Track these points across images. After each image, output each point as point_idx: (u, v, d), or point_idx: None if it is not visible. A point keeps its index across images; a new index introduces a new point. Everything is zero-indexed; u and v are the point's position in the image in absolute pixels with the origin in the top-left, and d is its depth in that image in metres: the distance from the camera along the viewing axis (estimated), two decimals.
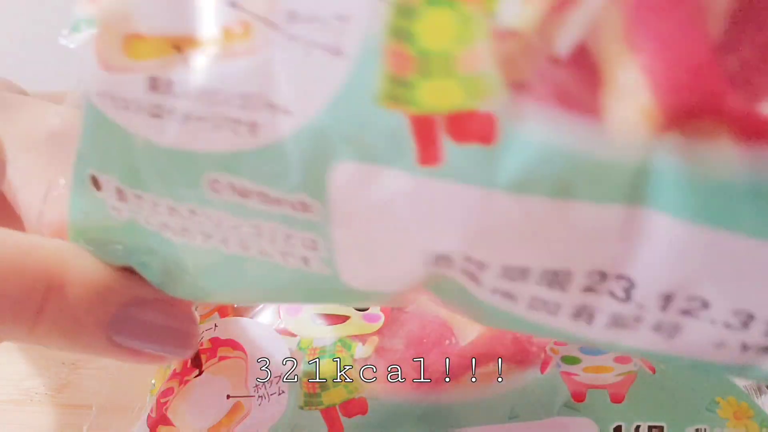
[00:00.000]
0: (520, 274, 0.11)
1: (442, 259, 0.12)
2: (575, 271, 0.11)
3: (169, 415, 0.20)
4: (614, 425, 0.19)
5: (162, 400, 0.21)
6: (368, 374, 0.20)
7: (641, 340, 0.12)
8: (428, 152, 0.10)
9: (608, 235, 0.10)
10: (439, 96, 0.10)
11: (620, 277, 0.11)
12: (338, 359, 0.21)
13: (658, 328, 0.12)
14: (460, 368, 0.20)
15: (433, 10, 0.10)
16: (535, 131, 0.10)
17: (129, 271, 0.15)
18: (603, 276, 0.11)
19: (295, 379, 0.20)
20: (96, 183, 0.14)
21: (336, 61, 0.11)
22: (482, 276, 0.12)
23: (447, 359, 0.21)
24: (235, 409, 0.20)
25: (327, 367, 0.20)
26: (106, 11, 0.12)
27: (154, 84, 0.12)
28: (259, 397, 0.20)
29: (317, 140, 0.11)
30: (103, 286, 0.15)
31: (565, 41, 0.09)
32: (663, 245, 0.10)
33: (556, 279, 0.11)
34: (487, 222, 0.11)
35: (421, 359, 0.21)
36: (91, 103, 0.12)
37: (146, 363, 0.16)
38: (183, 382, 0.21)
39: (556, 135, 0.10)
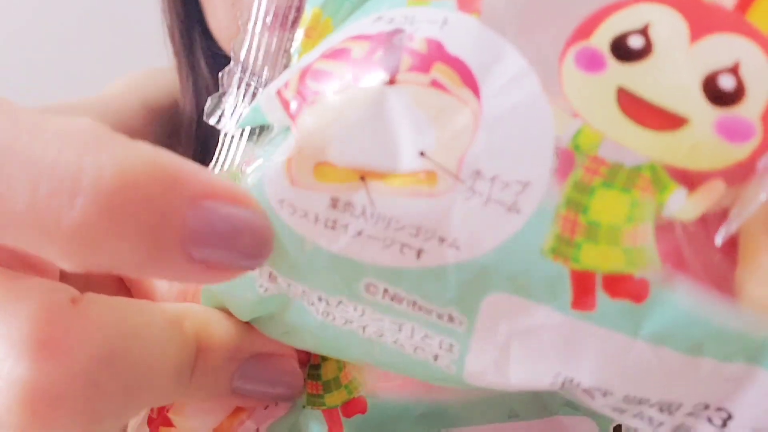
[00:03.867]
0: (638, 401, 0.13)
1: (569, 382, 0.14)
2: (686, 403, 0.13)
3: (171, 415, 0.20)
4: (614, 424, 0.19)
5: None
6: (367, 373, 0.20)
7: None
8: (583, 300, 0.13)
9: (723, 383, 0.13)
10: (601, 259, 0.12)
11: (721, 409, 0.13)
12: (338, 359, 0.21)
13: None
14: None
15: (609, 192, 0.12)
16: (681, 299, 0.12)
17: (250, 325, 0.17)
18: (706, 406, 0.13)
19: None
20: None
21: (510, 216, 0.13)
22: (600, 398, 0.14)
23: None
24: (238, 410, 0.20)
25: (329, 368, 0.20)
26: (306, 139, 0.13)
27: (335, 203, 0.14)
28: None
29: (479, 273, 0.13)
30: (233, 345, 0.17)
31: (723, 233, 0.12)
32: (766, 394, 0.12)
33: (669, 408, 0.13)
34: (624, 363, 0.13)
35: None
36: (269, 205, 0.14)
37: (255, 405, 0.19)
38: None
39: (698, 304, 0.12)
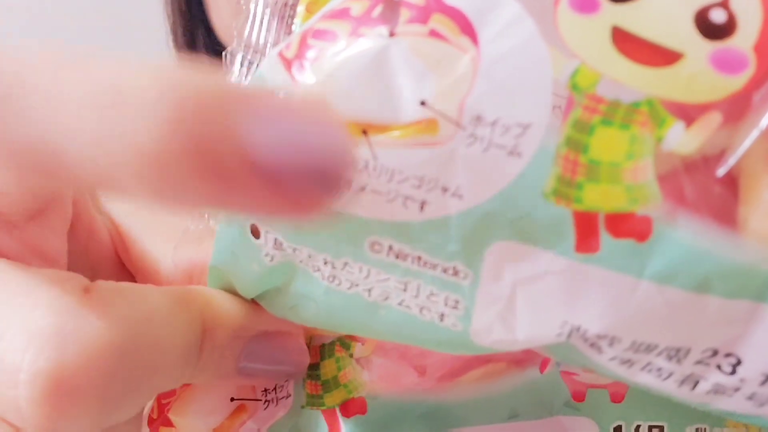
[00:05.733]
0: (646, 348, 0.13)
1: (576, 331, 0.14)
2: (694, 348, 0.13)
3: (171, 416, 0.20)
4: (614, 425, 0.19)
5: (163, 401, 0.20)
6: (367, 374, 0.20)
7: (732, 404, 0.14)
8: (587, 242, 0.13)
9: (730, 324, 0.13)
10: (603, 198, 0.12)
11: (730, 354, 0.13)
12: (337, 359, 0.21)
13: (752, 397, 0.14)
14: (460, 368, 0.20)
15: (608, 129, 0.12)
16: (684, 235, 0.12)
17: (255, 303, 0.17)
18: (715, 353, 0.13)
19: (301, 382, 0.21)
20: (256, 232, 0.15)
21: (512, 159, 0.13)
22: (608, 348, 0.14)
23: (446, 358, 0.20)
24: (238, 410, 0.20)
25: (329, 368, 0.20)
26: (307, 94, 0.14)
27: None
28: (266, 401, 0.20)
29: (482, 221, 0.13)
30: (238, 324, 0.17)
31: (725, 165, 0.12)
32: None
33: (677, 354, 0.13)
34: (631, 305, 0.13)
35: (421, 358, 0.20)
36: None
37: (260, 384, 0.19)
38: (185, 384, 0.20)
39: (702, 240, 0.12)
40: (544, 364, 0.20)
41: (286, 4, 0.18)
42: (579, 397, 0.20)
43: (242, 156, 0.11)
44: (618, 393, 0.20)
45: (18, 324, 0.13)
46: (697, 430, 0.19)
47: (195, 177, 0.11)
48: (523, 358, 0.20)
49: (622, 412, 0.19)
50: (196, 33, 0.40)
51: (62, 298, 0.13)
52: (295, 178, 0.11)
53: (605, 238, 0.12)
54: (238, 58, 0.18)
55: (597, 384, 0.20)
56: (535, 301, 0.14)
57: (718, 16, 0.12)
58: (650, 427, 0.19)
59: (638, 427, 0.19)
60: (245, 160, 0.11)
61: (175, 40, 0.42)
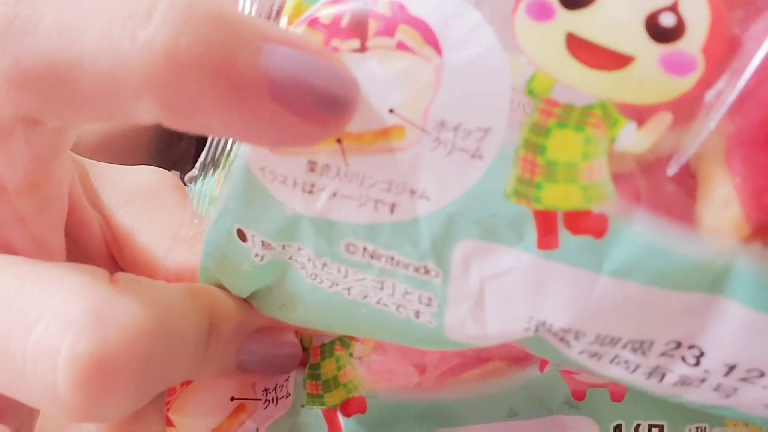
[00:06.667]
0: (610, 341, 0.14)
1: (542, 326, 0.14)
2: (657, 341, 0.14)
3: (171, 415, 0.20)
4: (614, 424, 0.19)
5: None
6: (367, 373, 0.21)
7: (701, 395, 0.14)
8: (547, 239, 0.13)
9: (689, 316, 0.13)
10: (561, 197, 0.13)
11: (693, 347, 0.14)
12: (337, 358, 0.21)
13: (718, 388, 0.14)
14: (460, 366, 0.20)
15: (564, 131, 0.13)
16: (640, 231, 0.12)
17: (248, 302, 0.18)
18: (678, 345, 0.14)
19: (302, 382, 0.21)
20: (242, 235, 0.16)
21: (474, 162, 0.13)
22: (575, 342, 0.14)
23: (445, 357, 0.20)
24: (237, 410, 0.20)
25: (329, 368, 0.21)
26: None
27: (313, 167, 0.14)
28: (266, 400, 0.20)
29: (449, 221, 0.14)
30: (238, 320, 0.18)
31: (675, 164, 0.12)
32: (734, 326, 0.13)
33: (641, 347, 0.14)
34: (591, 300, 0.13)
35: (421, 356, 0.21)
36: (251, 172, 0.15)
37: (256, 378, 0.20)
38: (186, 383, 0.21)
39: (657, 236, 0.12)
40: (544, 363, 0.20)
41: (269, 16, 0.18)
42: (579, 396, 0.20)
43: (259, 73, 0.12)
44: (618, 392, 0.20)
45: (53, 310, 0.13)
46: (696, 429, 0.19)
47: (210, 86, 0.12)
48: (522, 357, 0.21)
49: (622, 411, 0.20)
50: None
51: (95, 286, 0.13)
52: (308, 99, 0.12)
53: (564, 235, 0.13)
54: None
55: (597, 383, 0.20)
56: (502, 297, 0.14)
57: (667, 20, 0.12)
58: (650, 426, 0.19)
59: (638, 426, 0.19)
60: (262, 76, 0.12)
61: None
